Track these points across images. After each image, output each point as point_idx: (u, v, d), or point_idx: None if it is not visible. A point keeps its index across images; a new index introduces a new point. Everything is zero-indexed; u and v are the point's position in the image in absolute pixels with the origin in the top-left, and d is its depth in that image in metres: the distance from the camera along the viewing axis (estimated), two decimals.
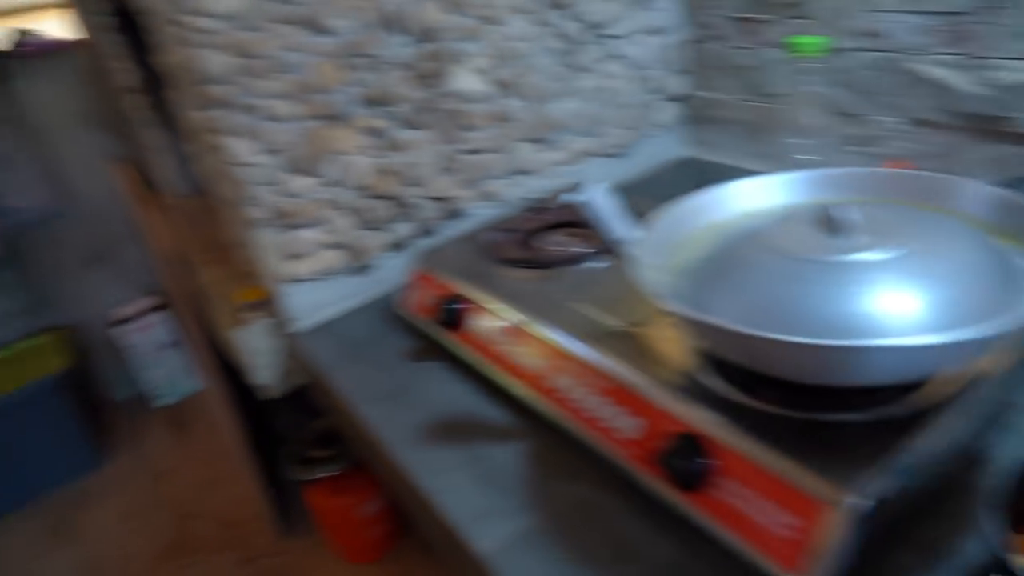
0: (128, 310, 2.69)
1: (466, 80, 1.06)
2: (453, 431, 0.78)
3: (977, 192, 0.60)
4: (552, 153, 1.22)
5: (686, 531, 0.58)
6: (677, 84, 1.33)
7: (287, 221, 0.99)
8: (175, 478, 2.37)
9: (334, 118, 0.98)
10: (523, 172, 1.19)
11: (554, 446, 0.72)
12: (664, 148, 1.37)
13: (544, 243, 0.95)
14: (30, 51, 2.33)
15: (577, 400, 0.69)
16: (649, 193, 0.70)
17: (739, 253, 0.58)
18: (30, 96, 2.40)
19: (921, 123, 1.00)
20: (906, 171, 0.65)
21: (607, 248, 0.63)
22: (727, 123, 1.30)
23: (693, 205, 0.68)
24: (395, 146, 1.04)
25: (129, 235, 2.59)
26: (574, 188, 0.61)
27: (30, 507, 2.34)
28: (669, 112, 1.35)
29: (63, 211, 2.52)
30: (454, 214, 1.14)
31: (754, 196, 0.69)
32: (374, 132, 1.01)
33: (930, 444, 0.52)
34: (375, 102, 1.00)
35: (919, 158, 1.02)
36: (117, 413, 2.74)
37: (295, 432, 1.82)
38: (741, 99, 1.25)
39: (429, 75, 1.03)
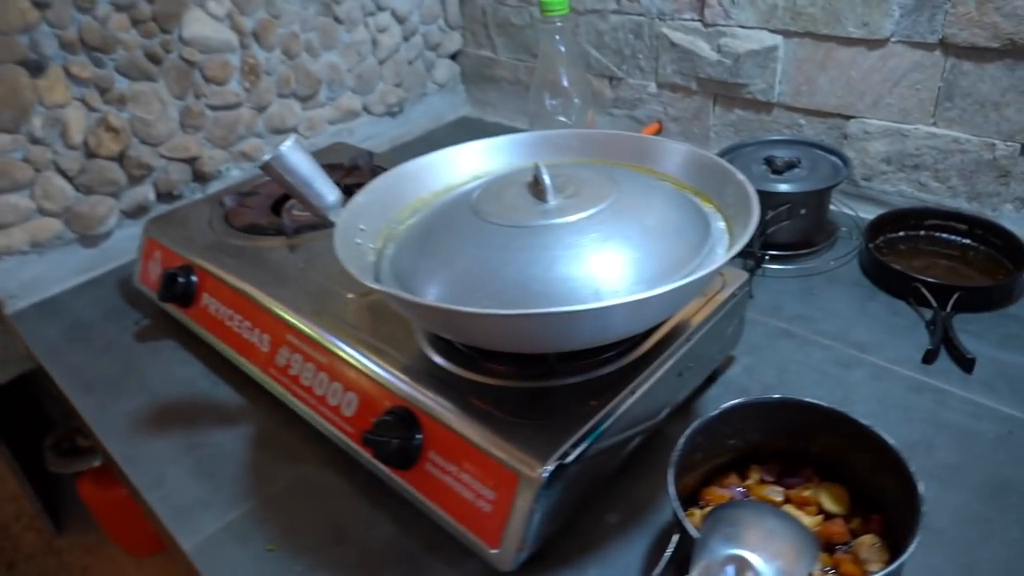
0: None
1: (202, 26, 0.95)
2: (176, 418, 0.71)
3: (681, 154, 0.62)
4: (319, 110, 1.14)
5: (405, 509, 0.56)
6: (452, 42, 1.29)
7: None
8: None
9: (33, 63, 0.84)
10: (286, 130, 1.11)
11: (281, 427, 0.67)
12: (442, 107, 1.33)
13: (293, 207, 0.88)
14: None
15: (302, 377, 0.64)
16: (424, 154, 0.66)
17: (448, 221, 0.55)
18: None
19: (673, 87, 1.03)
20: (620, 133, 0.65)
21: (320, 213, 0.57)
22: (502, 82, 1.28)
23: (414, 169, 0.64)
24: (118, 99, 0.91)
25: None
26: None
27: None
28: (446, 70, 1.31)
29: None
30: (204, 177, 1.04)
31: (478, 160, 0.67)
32: (88, 82, 0.88)
33: (634, 403, 0.53)
34: (86, 47, 0.87)
35: (672, 121, 1.06)
36: None
37: (60, 420, 1.63)
38: (514, 58, 1.24)
39: (154, 19, 0.91)
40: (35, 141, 0.87)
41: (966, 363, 0.64)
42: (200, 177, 1.03)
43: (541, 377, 0.54)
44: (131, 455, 0.67)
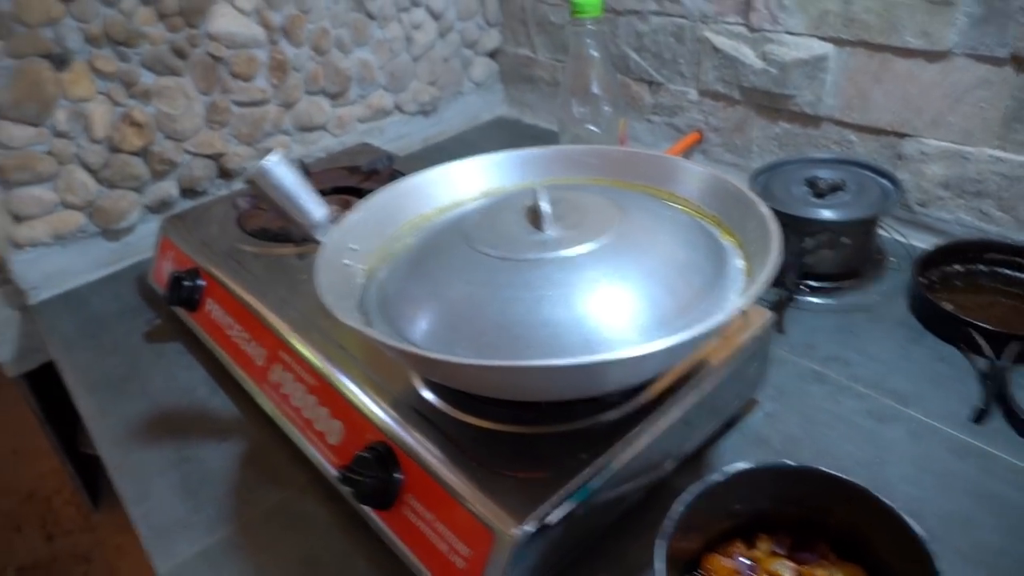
0: None
1: (229, 21, 0.93)
2: (170, 427, 0.69)
3: (703, 179, 0.56)
4: (349, 108, 1.12)
5: (383, 549, 0.53)
6: (490, 39, 1.25)
7: (6, 176, 0.85)
8: None
9: (57, 57, 0.83)
10: (314, 128, 1.08)
11: (271, 446, 0.65)
12: (478, 107, 1.29)
13: None
14: None
15: (292, 396, 0.62)
16: (459, 156, 0.62)
17: (438, 246, 0.51)
18: None
19: (715, 95, 0.97)
20: (639, 152, 0.60)
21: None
22: (541, 83, 1.23)
23: (418, 183, 0.61)
24: (142, 93, 0.90)
25: None
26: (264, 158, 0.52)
27: None
28: (484, 69, 1.27)
29: None
30: (229, 174, 1.02)
31: (486, 175, 0.62)
32: (113, 76, 0.87)
33: (633, 456, 0.48)
34: (111, 41, 0.86)
35: (712, 131, 1.00)
36: None
37: None
38: (553, 58, 1.18)
39: (180, 13, 0.89)
40: (59, 135, 0.86)
41: (1021, 425, 0.57)
42: (225, 174, 1.02)
43: (531, 422, 0.49)
44: (122, 464, 0.66)
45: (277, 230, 0.80)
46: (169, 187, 0.98)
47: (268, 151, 1.04)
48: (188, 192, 1.00)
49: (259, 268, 0.74)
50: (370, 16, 1.07)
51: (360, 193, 0.87)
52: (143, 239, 0.98)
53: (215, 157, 1.00)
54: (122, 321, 0.87)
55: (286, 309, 0.66)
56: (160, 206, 0.98)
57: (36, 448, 2.06)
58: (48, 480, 1.92)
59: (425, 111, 1.21)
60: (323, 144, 1.10)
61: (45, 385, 1.49)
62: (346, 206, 0.85)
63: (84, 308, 0.90)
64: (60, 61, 0.84)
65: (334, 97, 1.09)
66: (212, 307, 0.75)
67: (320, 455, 0.58)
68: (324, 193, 0.88)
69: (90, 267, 0.96)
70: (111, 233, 0.96)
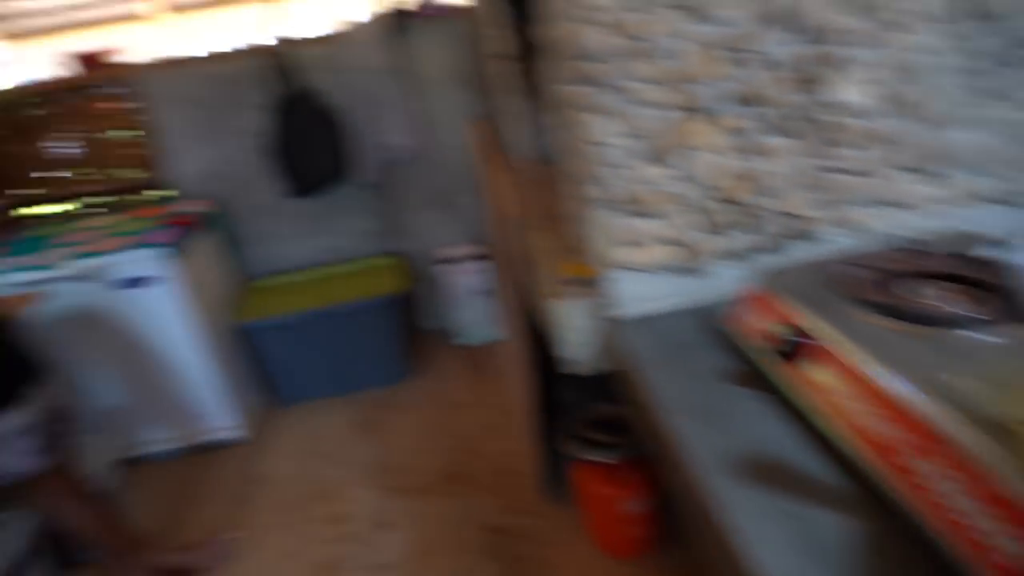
0: (453, 252, 2.97)
1: (850, 91, 0.95)
2: (768, 475, 0.72)
3: None
4: (934, 188, 1.04)
5: None
6: None
7: (628, 207, 0.99)
8: (465, 413, 2.60)
9: (699, 111, 0.94)
10: (894, 204, 1.04)
11: (895, 533, 0.62)
12: None
13: (910, 292, 0.81)
14: (427, 12, 2.64)
15: (939, 492, 0.58)
16: None
17: None
18: (418, 51, 2.73)
19: None
20: None
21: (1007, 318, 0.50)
22: None
23: None
24: (756, 151, 0.97)
25: (469, 187, 2.85)
26: (992, 242, 0.49)
27: (350, 398, 2.75)
28: None
29: (421, 155, 2.85)
30: (803, 235, 1.04)
31: None
32: (737, 132, 0.96)
33: None
34: (744, 100, 0.94)
35: None
36: (424, 340, 3.07)
37: (577, 408, 1.85)
38: None
39: (808, 80, 0.94)
40: (678, 178, 0.97)
41: None
42: (800, 235, 1.04)
43: None
44: (724, 495, 0.70)
45: (890, 305, 0.78)
46: (749, 239, 1.03)
47: (847, 220, 1.04)
48: (764, 247, 1.04)
49: (871, 338, 0.73)
50: (985, 95, 0.99)
51: (973, 283, 0.80)
52: (715, 281, 1.05)
53: (796, 218, 1.02)
54: (696, 354, 0.93)
55: (922, 390, 0.63)
56: (736, 254, 1.04)
57: (510, 429, 2.41)
58: (517, 460, 2.21)
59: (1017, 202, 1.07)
60: (900, 221, 1.05)
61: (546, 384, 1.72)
62: (957, 295, 0.79)
63: (659, 333, 1.00)
64: (700, 114, 0.94)
65: (924, 175, 1.03)
66: (815, 368, 0.76)
67: (985, 569, 0.53)
68: (934, 276, 0.83)
69: (665, 296, 1.05)
70: (692, 271, 1.04)
